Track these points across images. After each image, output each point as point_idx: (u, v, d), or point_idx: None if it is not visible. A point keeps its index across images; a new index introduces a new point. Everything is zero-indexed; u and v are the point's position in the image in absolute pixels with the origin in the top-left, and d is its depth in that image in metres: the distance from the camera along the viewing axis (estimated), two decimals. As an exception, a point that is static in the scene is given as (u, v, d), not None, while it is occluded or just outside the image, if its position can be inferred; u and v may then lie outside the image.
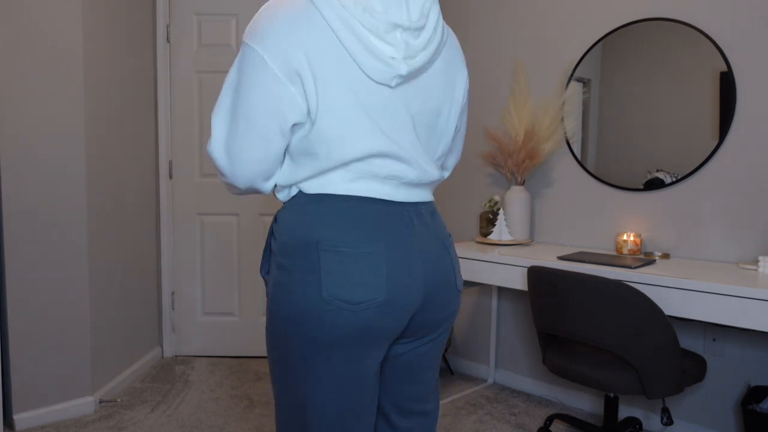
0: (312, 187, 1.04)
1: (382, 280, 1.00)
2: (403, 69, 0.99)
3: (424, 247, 1.07)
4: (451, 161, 1.29)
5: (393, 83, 1.00)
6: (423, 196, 1.11)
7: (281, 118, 0.98)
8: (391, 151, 1.02)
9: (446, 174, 1.28)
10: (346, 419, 1.07)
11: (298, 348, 1.02)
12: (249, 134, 0.99)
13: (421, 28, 1.02)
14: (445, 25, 1.12)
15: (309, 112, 0.98)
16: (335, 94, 0.97)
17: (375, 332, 1.02)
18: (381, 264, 1.01)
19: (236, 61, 0.99)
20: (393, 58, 0.98)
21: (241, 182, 1.04)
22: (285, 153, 1.05)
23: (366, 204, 1.03)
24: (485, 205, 2.83)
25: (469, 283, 2.74)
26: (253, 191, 1.09)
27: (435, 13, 1.06)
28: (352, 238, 1.00)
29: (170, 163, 3.21)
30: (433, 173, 1.11)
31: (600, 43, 2.51)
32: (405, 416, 1.18)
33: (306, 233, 1.01)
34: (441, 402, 2.70)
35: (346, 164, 1.01)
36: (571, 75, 2.60)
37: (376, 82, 1.00)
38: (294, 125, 1.00)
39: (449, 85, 1.12)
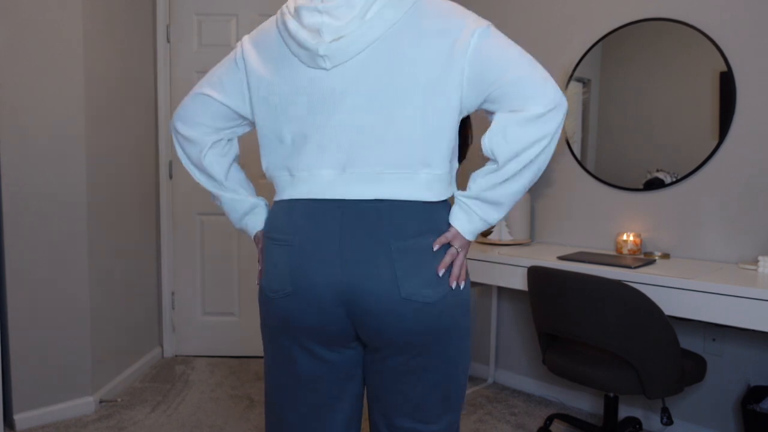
0: None
1: (287, 270, 1.05)
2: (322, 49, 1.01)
3: (350, 246, 1.01)
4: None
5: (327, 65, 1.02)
6: (370, 192, 1.02)
7: None
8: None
9: (427, 169, 1.04)
10: (281, 406, 1.15)
11: (262, 331, 1.16)
12: None
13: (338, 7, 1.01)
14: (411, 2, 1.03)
15: None
16: None
17: (293, 323, 1.07)
18: (290, 254, 1.05)
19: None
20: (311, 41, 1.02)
21: None
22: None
23: (299, 200, 1.09)
24: (485, 205, 2.83)
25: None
26: None
27: None
28: (280, 227, 1.08)
29: (170, 163, 3.21)
30: (376, 166, 1.02)
31: (600, 43, 2.51)
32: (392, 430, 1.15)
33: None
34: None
35: None
36: (571, 75, 2.60)
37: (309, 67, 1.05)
38: None
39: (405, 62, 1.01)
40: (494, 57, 1.00)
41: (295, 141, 1.07)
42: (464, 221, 1.07)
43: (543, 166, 1.05)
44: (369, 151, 1.02)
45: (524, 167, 1.03)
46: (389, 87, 1.00)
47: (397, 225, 1.01)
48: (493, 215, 1.08)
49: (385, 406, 1.14)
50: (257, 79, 1.09)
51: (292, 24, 1.04)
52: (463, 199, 1.07)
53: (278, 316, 1.09)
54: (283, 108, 1.07)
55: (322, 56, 1.01)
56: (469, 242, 1.08)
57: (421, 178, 1.03)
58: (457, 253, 1.06)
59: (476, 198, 1.06)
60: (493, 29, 1.03)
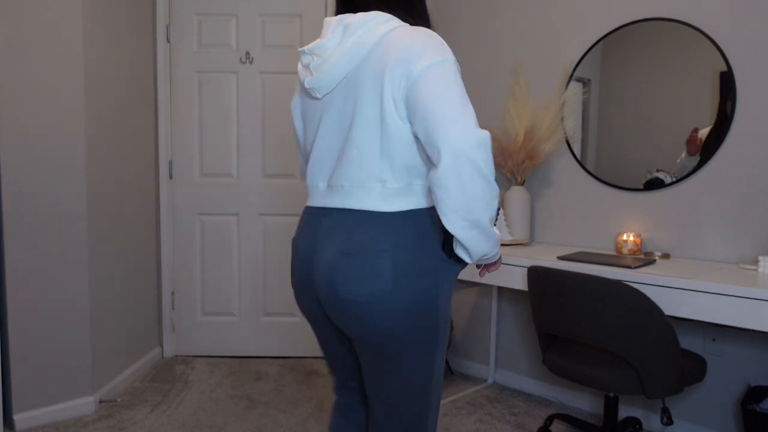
0: None
1: (291, 264, 1.30)
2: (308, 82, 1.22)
3: (319, 248, 1.22)
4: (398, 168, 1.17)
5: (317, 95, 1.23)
6: (340, 202, 1.19)
7: None
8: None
9: (392, 183, 1.16)
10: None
11: None
12: None
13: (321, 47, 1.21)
14: (383, 35, 1.15)
15: None
16: None
17: (301, 307, 1.32)
18: (293, 250, 1.29)
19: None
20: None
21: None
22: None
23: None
24: (485, 205, 2.83)
25: (469, 283, 2.74)
26: None
27: (340, 31, 1.19)
28: (297, 228, 1.33)
29: (170, 163, 3.21)
30: (342, 181, 1.19)
31: (600, 43, 2.51)
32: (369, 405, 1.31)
33: None
34: (441, 402, 2.70)
35: None
36: (571, 75, 2.60)
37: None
38: None
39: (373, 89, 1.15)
40: (422, 94, 1.07)
41: (308, 160, 1.30)
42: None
43: (484, 204, 1.08)
44: (340, 168, 1.19)
45: (471, 222, 1.09)
46: (354, 113, 1.16)
47: (350, 231, 1.17)
48: (481, 249, 1.15)
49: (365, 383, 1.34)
50: (297, 119, 1.37)
51: (299, 67, 1.28)
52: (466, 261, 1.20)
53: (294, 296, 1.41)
54: (306, 134, 1.32)
55: (310, 89, 1.22)
56: (493, 261, 1.24)
57: (376, 192, 1.16)
58: (491, 264, 1.28)
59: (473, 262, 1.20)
60: (443, 66, 1.09)
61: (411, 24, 1.22)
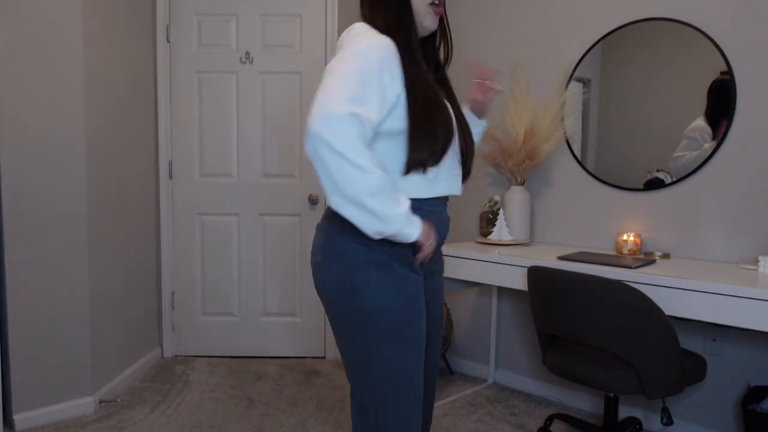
0: None
1: None
2: None
3: None
4: None
5: None
6: None
7: None
8: None
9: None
10: None
11: None
12: None
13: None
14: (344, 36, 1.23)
15: None
16: None
17: None
18: None
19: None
20: None
21: None
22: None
23: None
24: (485, 205, 2.83)
25: (469, 283, 2.74)
26: None
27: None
28: None
29: (170, 163, 3.21)
30: None
31: (600, 43, 2.51)
32: None
33: None
34: (441, 402, 2.70)
35: None
36: (571, 75, 2.60)
37: None
38: None
39: None
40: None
41: None
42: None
43: (334, 182, 1.10)
44: None
45: (346, 199, 1.11)
46: None
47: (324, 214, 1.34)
48: (370, 226, 1.15)
49: None
50: None
51: None
52: None
53: None
54: None
55: None
56: (406, 240, 1.19)
57: None
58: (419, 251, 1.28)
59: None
60: (339, 58, 1.14)
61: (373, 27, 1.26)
